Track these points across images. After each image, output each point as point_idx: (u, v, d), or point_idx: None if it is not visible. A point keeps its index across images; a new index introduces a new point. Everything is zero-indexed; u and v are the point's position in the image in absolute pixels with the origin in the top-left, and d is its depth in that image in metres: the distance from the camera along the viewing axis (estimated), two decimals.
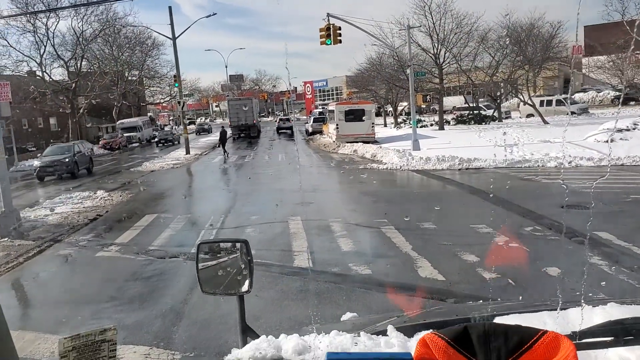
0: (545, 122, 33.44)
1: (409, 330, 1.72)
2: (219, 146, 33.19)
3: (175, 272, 8.41)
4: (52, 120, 50.36)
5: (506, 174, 17.32)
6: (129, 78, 55.80)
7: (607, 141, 21.02)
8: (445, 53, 38.77)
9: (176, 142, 43.81)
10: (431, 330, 1.28)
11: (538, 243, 8.70)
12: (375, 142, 30.73)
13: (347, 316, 2.58)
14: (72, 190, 18.90)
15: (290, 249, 9.20)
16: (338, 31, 23.19)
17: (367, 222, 11.25)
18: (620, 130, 21.73)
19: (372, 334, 1.73)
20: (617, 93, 55.42)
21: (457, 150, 22.37)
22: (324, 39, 23.03)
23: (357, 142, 29.76)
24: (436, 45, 38.35)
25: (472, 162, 20.12)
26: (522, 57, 39.08)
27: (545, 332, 1.14)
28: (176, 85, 35.93)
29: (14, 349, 1.32)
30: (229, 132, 39.00)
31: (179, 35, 33.60)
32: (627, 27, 37.16)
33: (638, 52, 37.16)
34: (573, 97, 48.89)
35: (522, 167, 18.45)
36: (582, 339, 1.35)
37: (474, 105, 45.10)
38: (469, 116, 42.62)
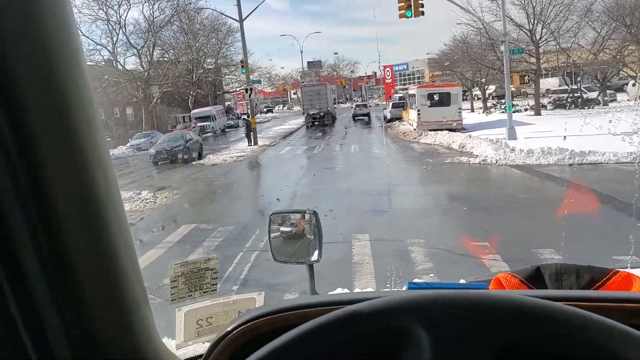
0: None
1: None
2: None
3: None
4: (129, 110, 50.15)
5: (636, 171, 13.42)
6: (205, 66, 54.65)
7: None
8: (542, 29, 34.17)
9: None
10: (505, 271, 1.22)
11: None
12: (462, 129, 27.12)
13: None
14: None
15: None
16: (420, 1, 19.76)
17: (461, 247, 8.13)
18: None
19: None
20: None
21: (562, 139, 18.53)
22: (403, 11, 19.70)
23: (441, 129, 26.29)
24: (532, 20, 33.84)
25: (586, 155, 16.29)
26: (633, 31, 33.58)
27: (617, 271, 1.13)
28: (243, 70, 33.74)
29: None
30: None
31: (245, 17, 31.41)
32: None
33: None
34: None
35: None
36: None
37: (575, 87, 39.85)
38: (569, 99, 37.64)
